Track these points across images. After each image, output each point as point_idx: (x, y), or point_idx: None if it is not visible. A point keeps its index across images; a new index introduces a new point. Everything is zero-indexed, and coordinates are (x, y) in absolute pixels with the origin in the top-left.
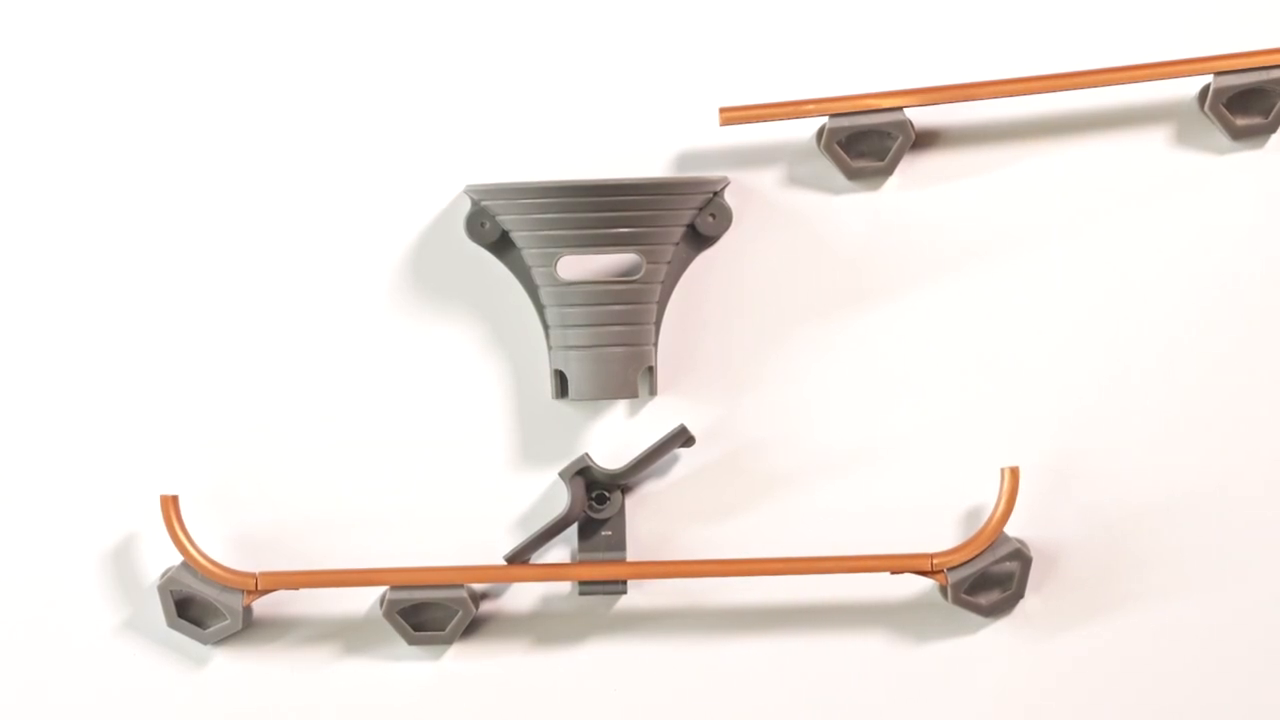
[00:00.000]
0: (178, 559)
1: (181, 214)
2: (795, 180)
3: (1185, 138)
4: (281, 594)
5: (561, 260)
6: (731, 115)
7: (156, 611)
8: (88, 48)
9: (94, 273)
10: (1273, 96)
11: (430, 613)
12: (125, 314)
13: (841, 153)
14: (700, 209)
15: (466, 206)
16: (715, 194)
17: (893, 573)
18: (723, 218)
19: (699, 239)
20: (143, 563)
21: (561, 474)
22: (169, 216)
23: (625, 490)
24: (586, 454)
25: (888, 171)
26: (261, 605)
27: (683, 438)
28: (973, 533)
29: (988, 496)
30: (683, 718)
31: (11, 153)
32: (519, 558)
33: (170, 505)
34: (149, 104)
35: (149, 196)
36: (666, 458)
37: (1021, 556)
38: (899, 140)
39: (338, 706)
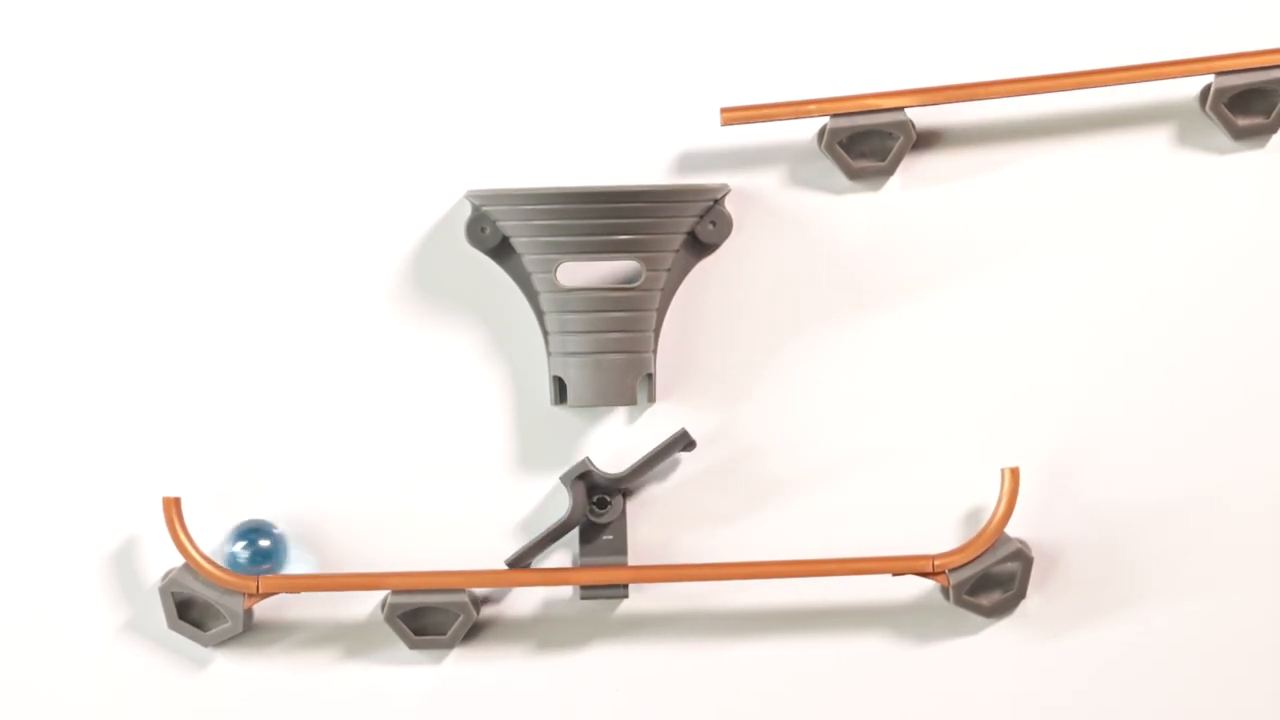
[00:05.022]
0: (179, 561)
1: (184, 218)
2: (796, 181)
3: (1186, 138)
4: (282, 597)
5: (561, 267)
6: (733, 115)
7: (158, 613)
8: (89, 52)
9: (97, 276)
10: (1274, 96)
11: (431, 617)
12: (128, 317)
13: (843, 153)
14: (701, 216)
15: (467, 212)
16: (716, 202)
17: (894, 574)
18: (723, 225)
19: (699, 246)
20: (144, 564)
21: (563, 478)
22: (171, 220)
23: (626, 495)
24: (588, 458)
25: (889, 172)
26: (262, 608)
27: (684, 441)
28: (974, 534)
29: (988, 497)
30: None
31: (12, 154)
32: (520, 562)
33: (172, 507)
34: (151, 108)
35: (151, 200)
36: (667, 462)
37: (1023, 557)
38: (900, 140)
39: (338, 710)
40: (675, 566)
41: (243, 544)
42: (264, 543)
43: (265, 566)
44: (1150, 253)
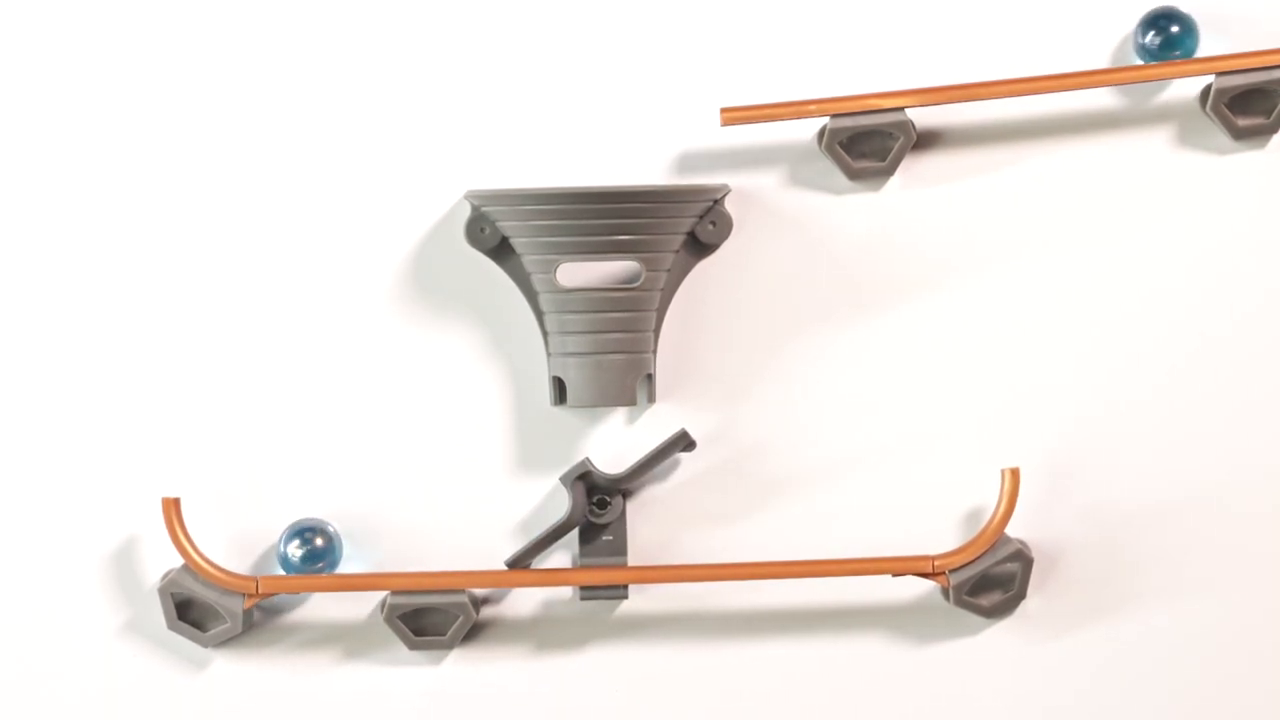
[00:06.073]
0: (179, 561)
1: (183, 218)
2: (796, 181)
3: (1187, 138)
4: (282, 597)
5: (561, 267)
6: (733, 115)
7: (157, 614)
8: (89, 52)
9: (98, 277)
10: (1274, 97)
11: (431, 617)
12: (128, 318)
13: (843, 153)
14: (701, 217)
15: (467, 212)
16: (716, 202)
17: (894, 575)
18: (723, 225)
19: (699, 247)
20: (143, 565)
21: (562, 479)
22: (171, 221)
23: (626, 495)
24: (588, 459)
25: (889, 172)
26: (262, 609)
27: (684, 442)
28: (974, 534)
29: (988, 498)
30: None
31: (12, 154)
32: (520, 563)
33: (172, 508)
34: (152, 109)
35: (150, 201)
36: (667, 463)
37: (1023, 557)
38: (900, 140)
39: (338, 711)
40: (675, 567)
41: (296, 542)
42: (319, 541)
43: (319, 566)
44: (1150, 253)
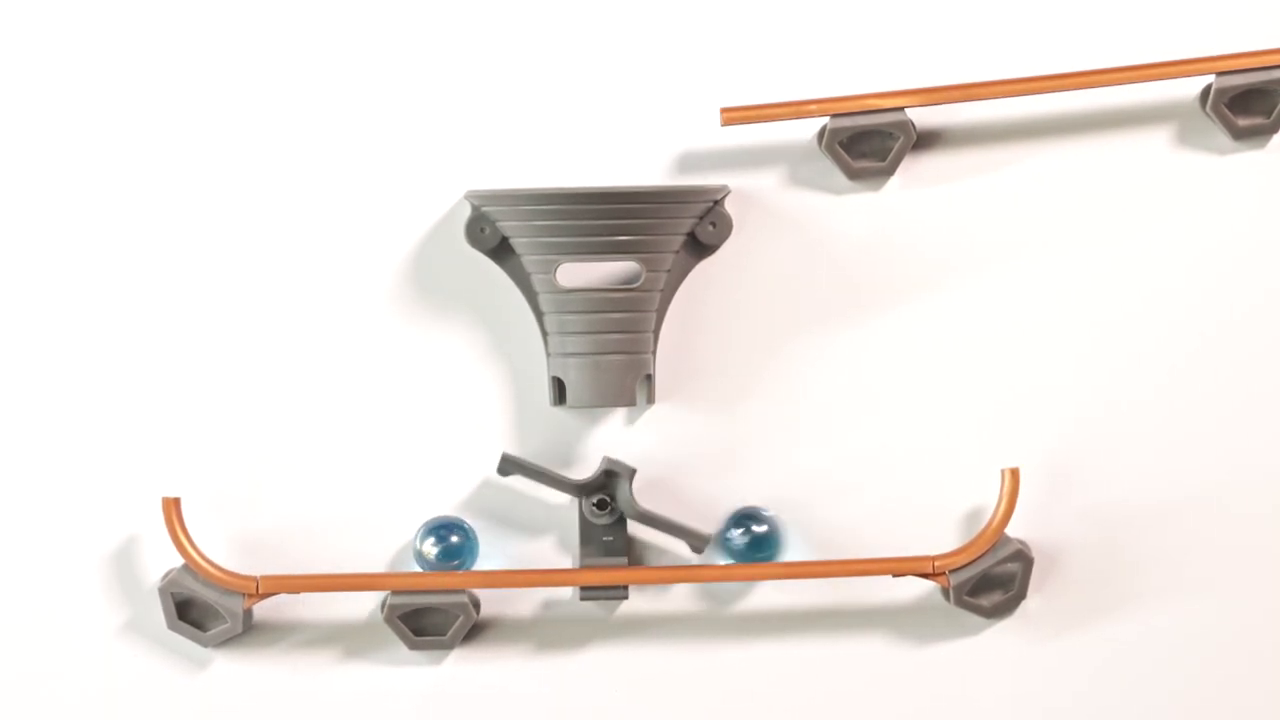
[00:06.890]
0: (179, 561)
1: (183, 218)
2: (796, 181)
3: (1187, 138)
4: (282, 597)
5: (561, 267)
6: (733, 115)
7: (157, 614)
8: (89, 52)
9: (97, 277)
10: (1274, 97)
11: (431, 617)
12: (128, 318)
13: (843, 153)
14: (701, 218)
15: (467, 212)
16: (716, 203)
17: (895, 575)
18: (723, 226)
19: (699, 247)
20: (144, 565)
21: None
22: (171, 221)
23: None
24: (610, 457)
25: (889, 172)
26: (262, 608)
27: (698, 541)
28: (974, 535)
29: (989, 498)
30: None
31: (12, 154)
32: (512, 465)
33: (172, 508)
34: (152, 108)
35: (150, 201)
36: (667, 462)
37: (1023, 558)
38: (900, 140)
39: (338, 710)
40: (675, 567)
41: (431, 540)
42: (455, 539)
43: (455, 563)
44: (1150, 253)
